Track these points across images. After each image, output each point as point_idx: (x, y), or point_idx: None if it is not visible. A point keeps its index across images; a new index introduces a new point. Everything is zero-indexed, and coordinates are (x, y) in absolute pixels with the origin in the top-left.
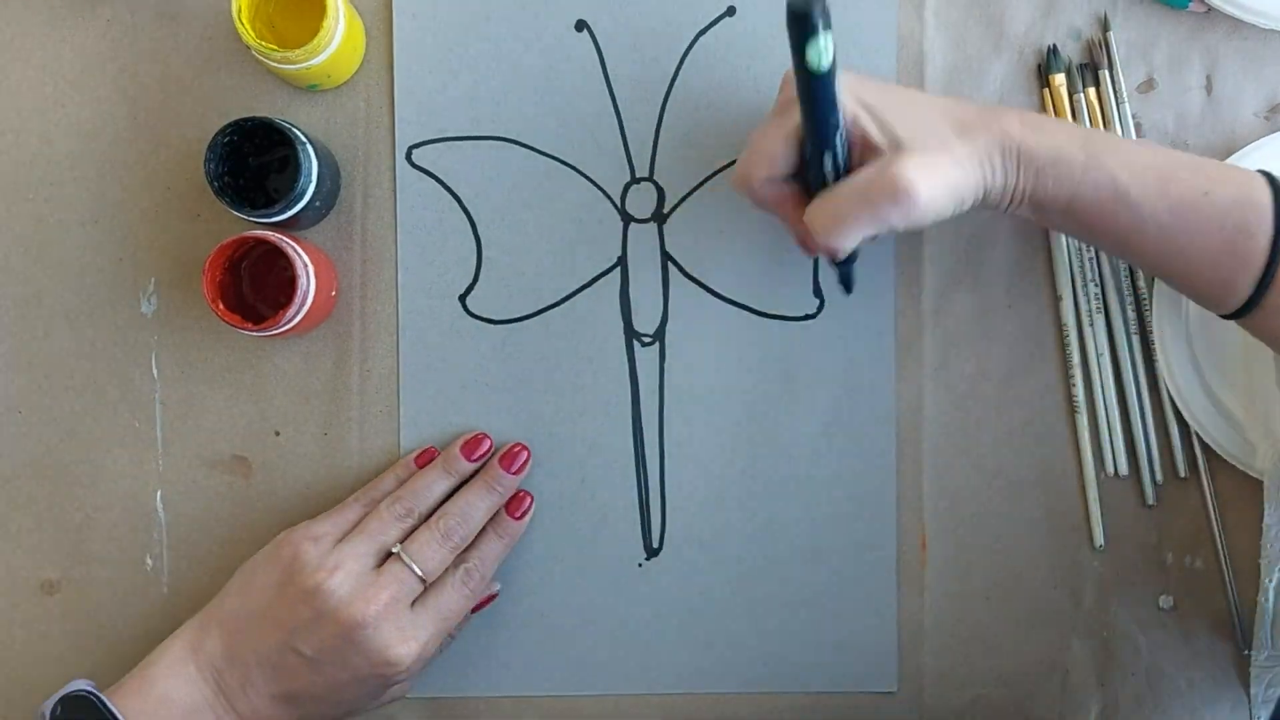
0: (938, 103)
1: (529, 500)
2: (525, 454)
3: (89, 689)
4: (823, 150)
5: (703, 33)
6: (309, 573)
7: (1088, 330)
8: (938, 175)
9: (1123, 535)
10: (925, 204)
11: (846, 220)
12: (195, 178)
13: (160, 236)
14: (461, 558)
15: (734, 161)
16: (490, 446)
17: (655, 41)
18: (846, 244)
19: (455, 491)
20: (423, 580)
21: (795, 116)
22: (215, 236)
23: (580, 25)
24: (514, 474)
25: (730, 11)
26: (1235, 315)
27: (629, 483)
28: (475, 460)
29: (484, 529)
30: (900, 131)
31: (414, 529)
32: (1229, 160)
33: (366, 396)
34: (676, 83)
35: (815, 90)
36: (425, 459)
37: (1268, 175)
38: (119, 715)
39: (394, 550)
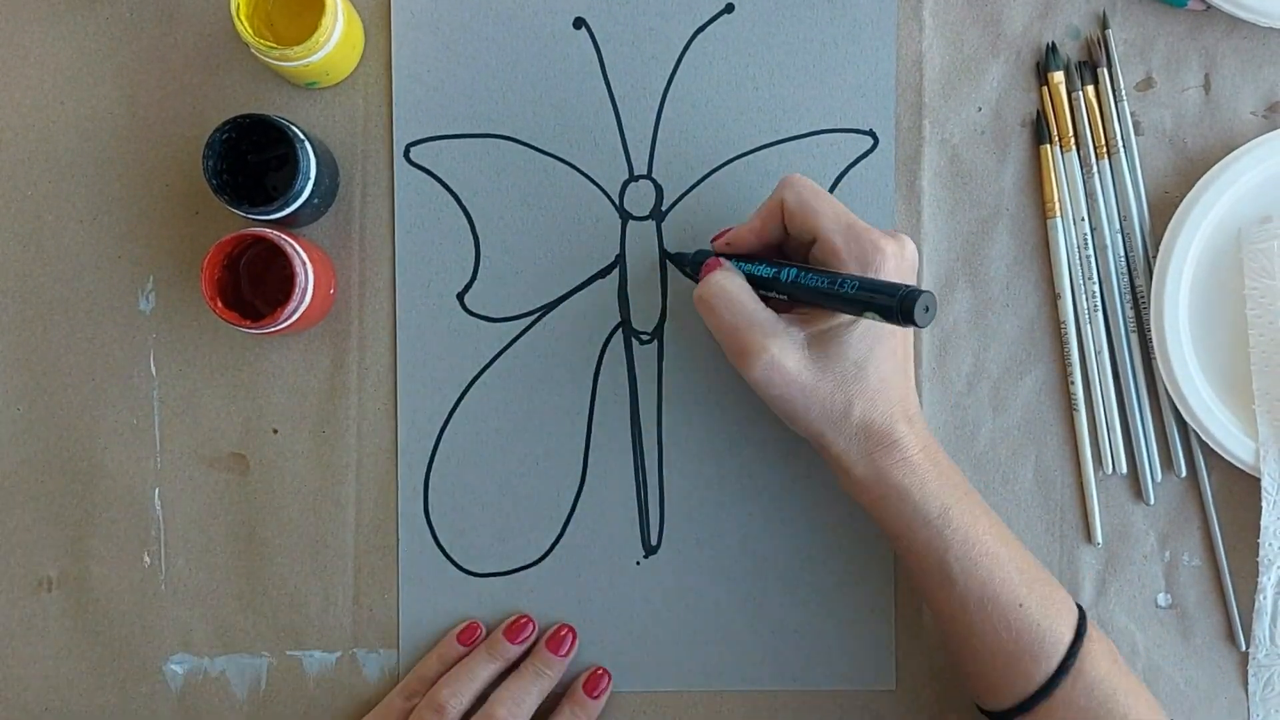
0: (896, 370)
1: (606, 680)
2: (571, 636)
3: None
4: (792, 293)
5: (701, 30)
6: None
7: (1086, 328)
8: (792, 398)
9: (1121, 533)
10: (754, 381)
11: (711, 311)
12: (194, 175)
13: (158, 234)
14: None
15: (734, 160)
16: (534, 629)
17: (653, 39)
18: (703, 307)
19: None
20: None
21: (775, 231)
22: (213, 234)
23: (578, 23)
24: (562, 657)
25: (728, 9)
26: (991, 716)
27: (627, 480)
28: (520, 643)
29: (562, 707)
30: (838, 350)
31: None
32: (1228, 157)
33: (364, 394)
34: (675, 80)
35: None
36: (469, 636)
37: (1081, 615)
38: None
39: None
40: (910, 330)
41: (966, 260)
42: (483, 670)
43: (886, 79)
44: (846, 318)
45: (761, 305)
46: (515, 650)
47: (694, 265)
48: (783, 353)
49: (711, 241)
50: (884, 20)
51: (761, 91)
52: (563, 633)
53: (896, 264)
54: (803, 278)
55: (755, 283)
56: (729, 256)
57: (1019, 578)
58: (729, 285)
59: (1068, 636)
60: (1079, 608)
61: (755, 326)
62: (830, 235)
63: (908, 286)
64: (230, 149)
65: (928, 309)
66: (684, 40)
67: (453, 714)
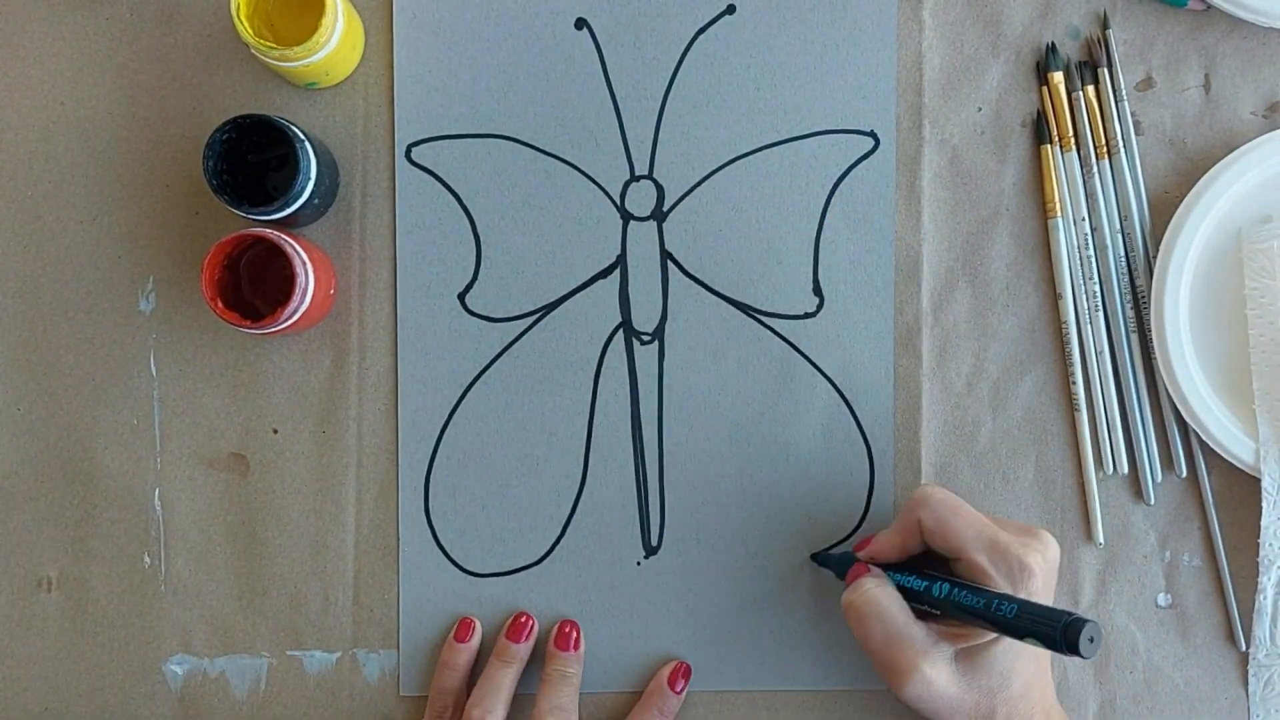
0: (1039, 672)
1: (684, 676)
2: (576, 631)
3: None
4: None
5: (702, 30)
6: None
7: (1086, 328)
8: (939, 711)
9: (1121, 533)
10: (905, 698)
11: (862, 622)
12: (194, 175)
13: (159, 234)
14: None
15: (735, 160)
16: (534, 623)
17: (655, 39)
18: (853, 616)
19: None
20: None
21: (916, 545)
22: (214, 234)
23: (580, 23)
24: (575, 652)
25: (730, 10)
26: None
27: (628, 481)
28: (525, 641)
29: (647, 704)
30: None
31: None
32: (1229, 157)
33: (365, 395)
34: (676, 80)
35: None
36: (465, 633)
37: None
38: None
39: None
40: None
41: (967, 260)
42: (503, 678)
43: (887, 80)
44: (992, 634)
45: (913, 620)
46: (523, 649)
47: (840, 568)
48: (934, 670)
49: (854, 550)
50: (884, 21)
51: (763, 92)
52: (566, 629)
53: (1044, 578)
54: (957, 595)
55: (905, 594)
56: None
57: None
58: (881, 598)
59: None
60: None
61: (908, 643)
62: (975, 556)
63: (1068, 615)
64: (230, 149)
65: (1093, 639)
66: (685, 41)
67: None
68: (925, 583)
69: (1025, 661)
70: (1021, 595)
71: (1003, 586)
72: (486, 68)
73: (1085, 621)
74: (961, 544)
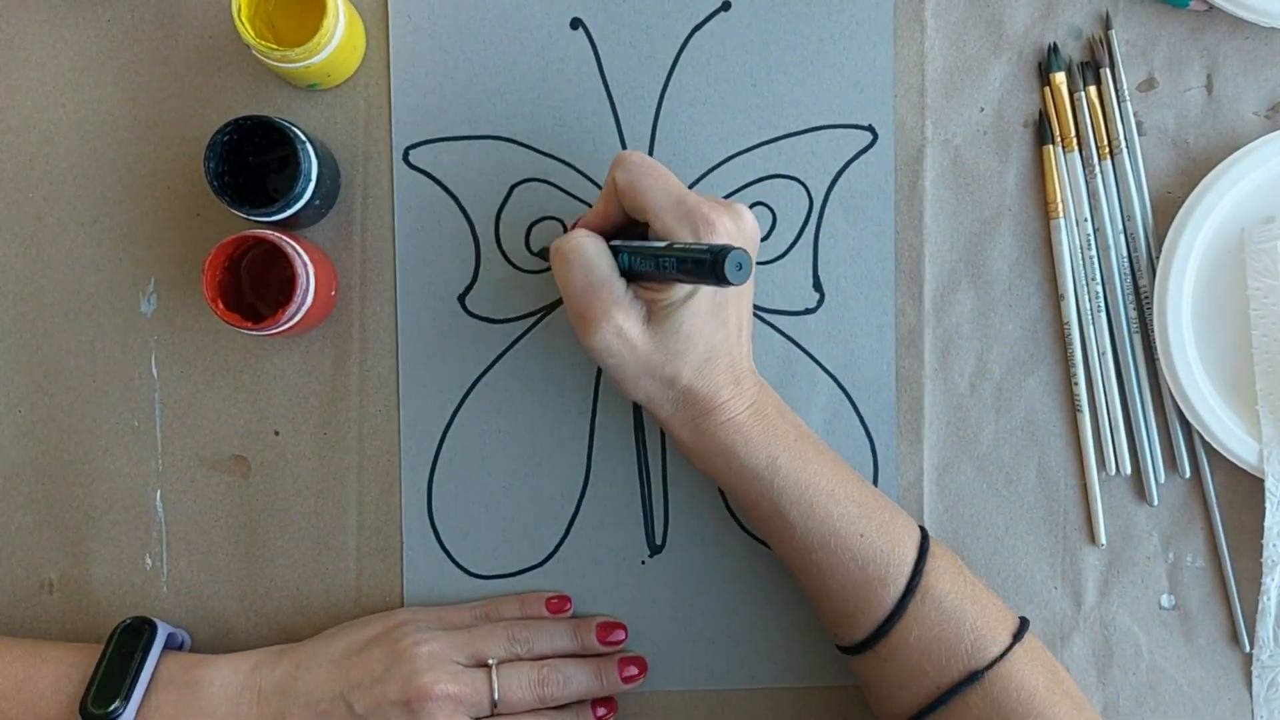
0: (727, 338)
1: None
2: (641, 674)
3: (157, 624)
4: (636, 266)
5: (698, 28)
6: (400, 635)
7: (1089, 329)
8: (625, 365)
9: (1124, 534)
10: (592, 348)
11: (567, 267)
12: (195, 177)
13: (160, 236)
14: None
15: (733, 157)
16: (624, 638)
17: (650, 38)
18: (559, 262)
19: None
20: (494, 705)
21: (619, 212)
22: (215, 236)
23: (575, 23)
24: (625, 682)
25: (725, 7)
26: (849, 650)
27: (631, 480)
28: (606, 645)
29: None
30: (676, 329)
31: (516, 660)
32: (1231, 158)
33: (366, 396)
34: (672, 79)
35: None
36: (556, 605)
37: (923, 535)
38: (151, 656)
39: (491, 662)
40: (744, 293)
41: (969, 261)
42: (560, 640)
43: (885, 74)
44: (683, 293)
45: (615, 273)
46: (596, 647)
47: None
48: (625, 321)
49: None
50: (881, 15)
51: (759, 88)
52: (639, 662)
53: (730, 237)
54: (635, 263)
55: None
56: None
57: (857, 510)
58: (588, 247)
59: (911, 556)
60: (921, 529)
61: (605, 292)
62: (660, 213)
63: (718, 246)
64: (231, 151)
65: (740, 266)
66: (681, 39)
67: (513, 651)
68: (612, 252)
69: (711, 327)
70: None
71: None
72: (483, 69)
73: (733, 249)
74: (650, 202)
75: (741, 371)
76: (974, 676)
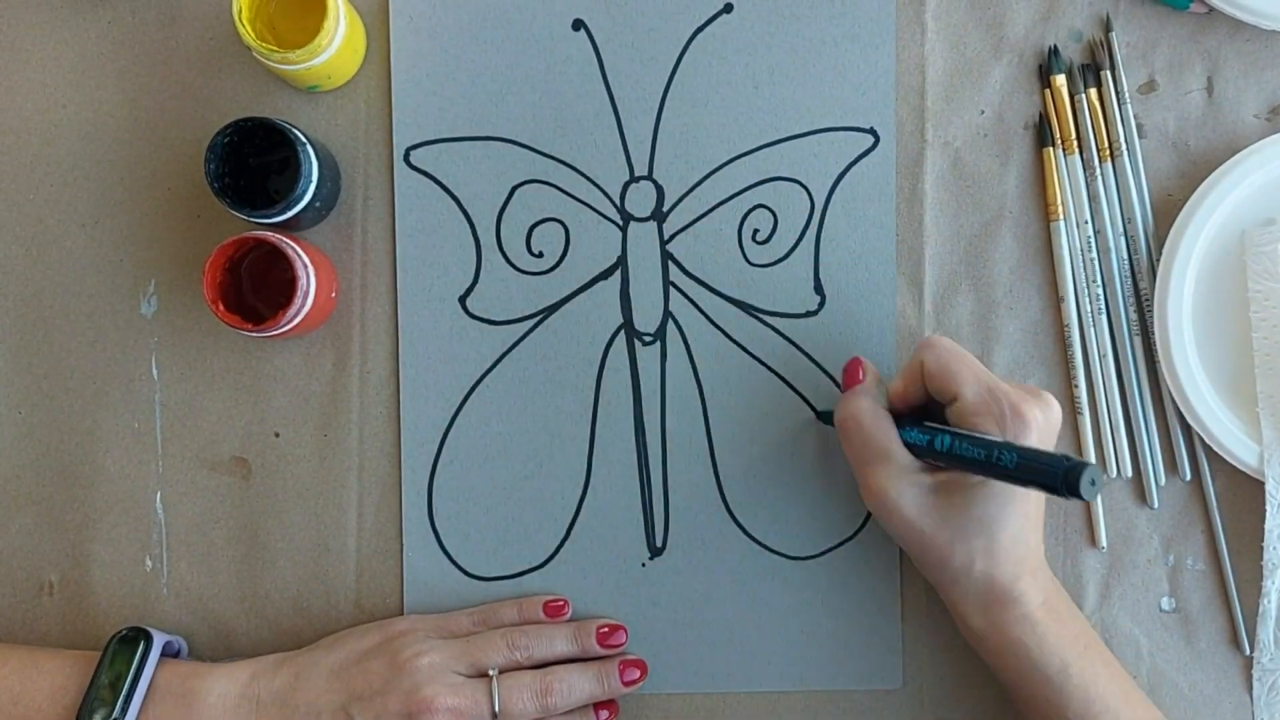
0: (1027, 528)
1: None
2: (642, 677)
3: (153, 633)
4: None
5: (700, 30)
6: (400, 646)
7: (1090, 331)
8: (907, 540)
9: (1125, 537)
10: (874, 515)
11: (842, 435)
12: (195, 178)
13: (160, 237)
14: None
15: (735, 159)
16: (625, 641)
17: (653, 40)
18: (839, 429)
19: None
20: (495, 715)
21: (919, 392)
22: (215, 237)
23: (577, 24)
24: (626, 685)
25: (728, 8)
26: None
27: (632, 482)
28: (607, 647)
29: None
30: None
31: (516, 668)
32: (1231, 160)
33: (366, 398)
34: (674, 80)
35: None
36: (554, 610)
37: None
38: (147, 668)
39: (491, 672)
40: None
41: (969, 263)
42: (559, 645)
43: (886, 76)
44: (976, 477)
45: (899, 445)
46: (597, 651)
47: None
48: (901, 495)
49: (845, 382)
50: (883, 18)
51: (761, 91)
52: (639, 664)
53: (1039, 430)
54: (959, 446)
55: (910, 449)
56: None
57: (1128, 711)
58: (865, 410)
59: None
60: None
61: (884, 460)
62: (970, 397)
63: (1069, 459)
64: (232, 152)
65: (1094, 482)
66: (683, 41)
67: (513, 658)
68: (928, 436)
69: (1013, 514)
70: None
71: (997, 435)
72: (484, 70)
73: (1087, 466)
74: (960, 385)
75: (1037, 563)
76: None
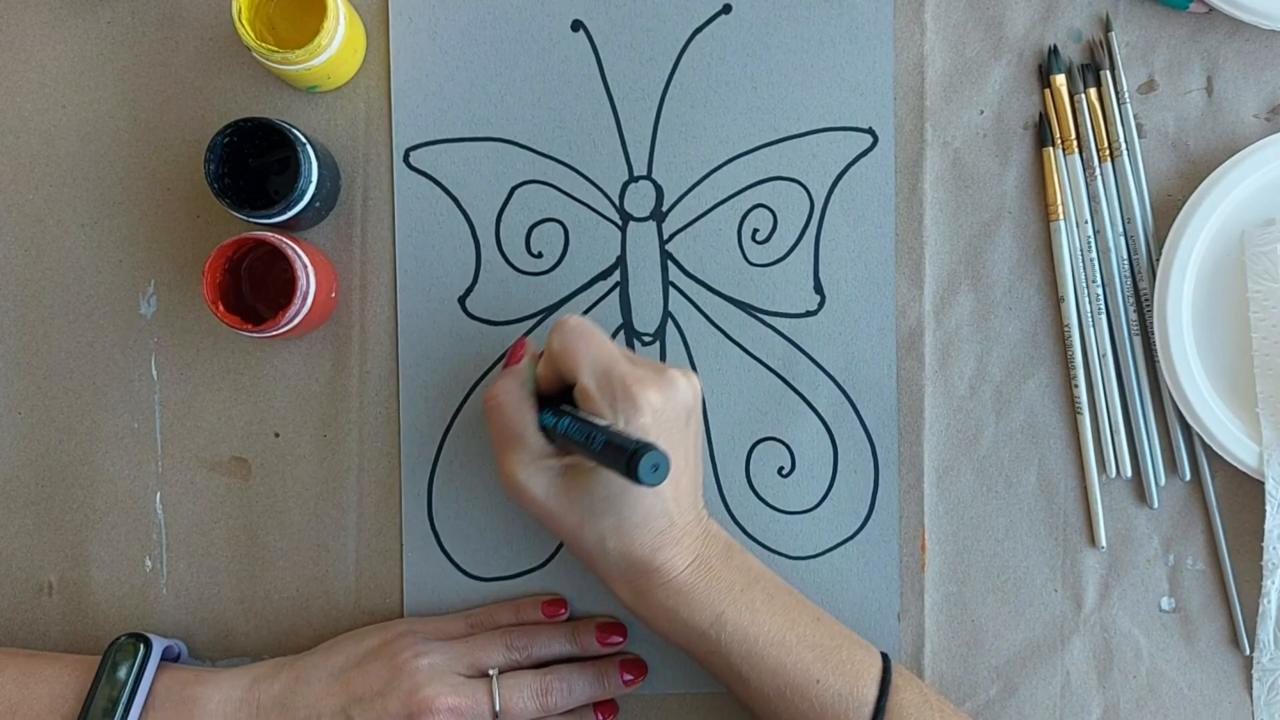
0: (660, 502)
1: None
2: (640, 678)
3: (152, 639)
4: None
5: (699, 30)
6: (400, 648)
7: (1089, 331)
8: (543, 520)
9: (1124, 537)
10: (507, 492)
11: (487, 418)
12: (195, 179)
13: (160, 238)
14: None
15: (734, 159)
16: (624, 639)
17: (651, 40)
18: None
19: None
20: (496, 715)
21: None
22: (215, 237)
23: (576, 25)
24: (625, 685)
25: (726, 9)
26: None
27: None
28: (606, 646)
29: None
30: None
31: (516, 668)
32: (1231, 160)
33: (366, 398)
34: (673, 81)
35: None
36: (553, 609)
37: (885, 668)
38: (147, 675)
39: (491, 673)
40: (681, 454)
41: (969, 263)
42: (557, 644)
43: (885, 77)
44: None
45: (533, 429)
46: (596, 649)
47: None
48: (529, 480)
49: (505, 362)
50: (881, 18)
51: (760, 91)
52: (638, 663)
53: (657, 417)
54: (569, 430)
55: (544, 431)
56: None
57: (811, 655)
58: (508, 400)
59: (872, 695)
60: (884, 659)
61: (518, 447)
62: (585, 380)
63: (638, 443)
64: (232, 152)
65: (656, 468)
66: (682, 41)
67: (512, 658)
68: (554, 419)
69: (638, 493)
70: (626, 428)
71: (610, 417)
72: (483, 71)
73: (649, 450)
74: (577, 368)
75: (680, 530)
76: None
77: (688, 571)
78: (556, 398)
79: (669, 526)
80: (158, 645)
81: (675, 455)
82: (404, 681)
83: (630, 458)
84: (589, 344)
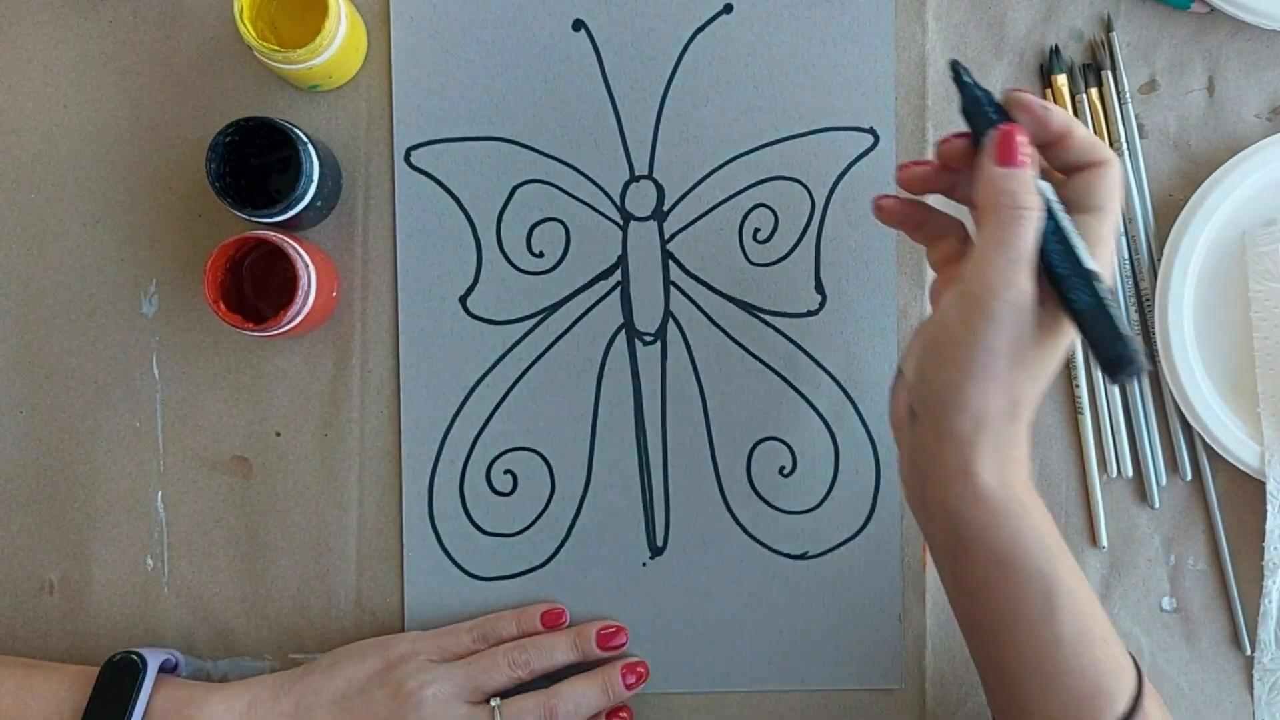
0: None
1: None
2: (641, 680)
3: (145, 656)
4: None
5: (700, 30)
6: (404, 676)
7: None
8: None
9: (1125, 537)
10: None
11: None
12: (197, 178)
13: (161, 237)
14: None
15: (735, 159)
16: (625, 642)
17: (653, 40)
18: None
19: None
20: None
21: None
22: (216, 237)
23: (578, 25)
24: (628, 689)
25: (727, 9)
26: None
27: (633, 482)
28: (608, 650)
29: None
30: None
31: (520, 684)
32: (1232, 160)
33: (367, 397)
34: (674, 80)
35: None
36: (552, 619)
37: (1136, 663)
38: (142, 696)
39: (493, 704)
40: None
41: None
42: (560, 654)
43: (886, 76)
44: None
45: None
46: (599, 655)
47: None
48: (1025, 285)
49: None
50: (882, 18)
51: (761, 91)
52: (641, 667)
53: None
54: (1050, 247)
55: None
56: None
57: (1105, 615)
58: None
59: (1132, 682)
60: (1132, 656)
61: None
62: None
63: (1136, 342)
64: (233, 152)
65: (1136, 375)
66: (683, 41)
67: (516, 676)
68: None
69: (1021, 364)
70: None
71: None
72: (484, 70)
73: (1146, 368)
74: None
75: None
76: None
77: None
78: None
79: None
80: (153, 663)
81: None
82: (409, 714)
83: (1119, 357)
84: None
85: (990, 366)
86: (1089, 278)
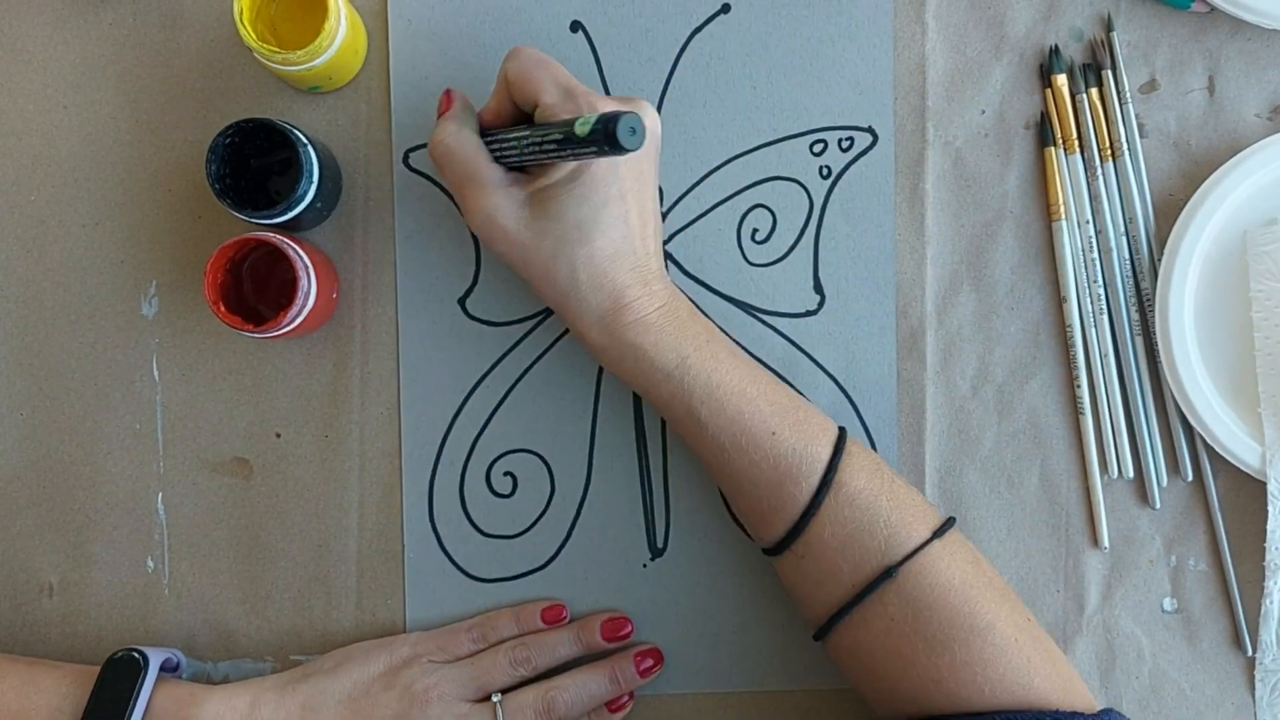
0: (629, 235)
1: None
2: (658, 665)
3: (147, 654)
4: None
5: (698, 30)
6: (410, 679)
7: (1091, 331)
8: (513, 258)
9: (1126, 537)
10: (479, 238)
11: (439, 165)
12: (197, 179)
13: (161, 238)
14: None
15: (733, 159)
16: (631, 630)
17: (650, 41)
18: (433, 160)
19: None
20: None
21: (510, 107)
22: (216, 238)
23: (575, 26)
24: (642, 675)
25: (725, 9)
26: (769, 552)
27: (633, 482)
28: (614, 641)
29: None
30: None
31: (524, 682)
32: (1233, 160)
33: (367, 399)
34: (672, 81)
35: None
36: (552, 615)
37: (840, 434)
38: (144, 693)
39: (495, 700)
40: (645, 192)
41: (971, 263)
42: (563, 650)
43: (884, 75)
44: (564, 173)
45: (488, 162)
46: (603, 646)
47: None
48: (497, 210)
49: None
50: (880, 17)
51: (759, 91)
52: (652, 651)
53: None
54: (528, 145)
55: (497, 159)
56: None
57: (769, 409)
58: (460, 139)
59: (825, 454)
60: (840, 429)
61: (476, 182)
62: (548, 99)
63: (609, 112)
64: (233, 153)
65: (634, 130)
66: (681, 41)
67: (518, 675)
68: (510, 141)
69: (609, 220)
70: None
71: None
72: (483, 72)
73: (623, 113)
74: (539, 89)
75: (650, 273)
76: (888, 572)
77: (656, 314)
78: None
79: (639, 265)
80: (154, 661)
81: (646, 188)
82: (416, 716)
83: (606, 123)
84: (548, 69)
85: (533, 261)
86: (542, 130)
